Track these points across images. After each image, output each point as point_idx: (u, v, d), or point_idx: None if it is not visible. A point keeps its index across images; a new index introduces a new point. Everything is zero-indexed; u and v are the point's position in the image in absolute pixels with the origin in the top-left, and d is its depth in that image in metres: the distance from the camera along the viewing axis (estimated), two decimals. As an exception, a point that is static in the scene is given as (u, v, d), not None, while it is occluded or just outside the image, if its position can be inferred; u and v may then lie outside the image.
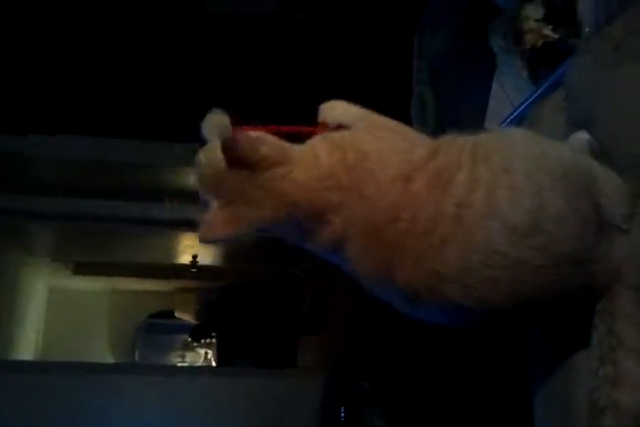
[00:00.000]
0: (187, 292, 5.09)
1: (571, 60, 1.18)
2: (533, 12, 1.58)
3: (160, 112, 2.68)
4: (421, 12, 2.19)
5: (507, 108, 1.62)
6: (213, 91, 2.74)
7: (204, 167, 0.84)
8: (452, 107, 1.95)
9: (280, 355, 3.83)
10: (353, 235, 0.81)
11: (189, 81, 2.74)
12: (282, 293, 4.28)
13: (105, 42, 2.69)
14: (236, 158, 0.81)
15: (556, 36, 1.48)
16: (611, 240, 0.81)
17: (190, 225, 0.88)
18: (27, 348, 4.68)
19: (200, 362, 4.82)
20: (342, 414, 2.83)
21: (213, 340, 4.60)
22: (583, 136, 0.94)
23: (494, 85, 1.76)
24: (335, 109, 0.93)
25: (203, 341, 4.69)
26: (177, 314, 5.03)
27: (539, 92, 1.37)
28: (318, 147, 0.86)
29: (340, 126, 0.90)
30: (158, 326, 4.88)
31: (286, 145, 0.85)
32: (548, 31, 1.48)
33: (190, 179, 2.74)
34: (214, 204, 0.82)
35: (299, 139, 0.90)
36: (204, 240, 0.83)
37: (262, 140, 0.84)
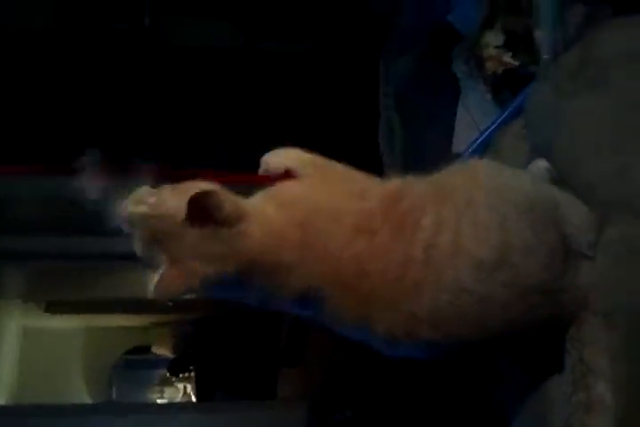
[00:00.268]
0: (162, 326, 5.01)
1: (531, 86, 1.21)
2: (493, 39, 1.61)
3: (128, 143, 2.67)
4: (386, 39, 2.23)
5: (473, 132, 1.65)
6: (182, 123, 2.74)
7: (154, 222, 0.79)
8: (420, 131, 1.98)
9: (260, 387, 3.78)
10: (322, 292, 0.80)
11: (158, 114, 2.73)
12: (259, 324, 4.24)
13: (76, 80, 2.68)
14: (200, 215, 0.78)
15: (516, 63, 1.51)
16: (576, 268, 0.82)
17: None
18: (0, 391, 4.56)
19: (179, 397, 4.74)
20: (326, 445, 2.79)
21: (192, 373, 4.52)
22: (542, 164, 0.96)
23: (460, 109, 1.80)
24: (278, 156, 0.90)
25: (181, 375, 4.62)
26: (154, 349, 4.94)
27: (502, 117, 1.39)
28: (267, 203, 0.83)
29: (287, 173, 0.88)
30: (135, 362, 4.79)
31: (241, 200, 0.83)
32: (507, 58, 1.52)
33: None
34: (162, 258, 0.79)
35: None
36: (158, 297, 0.80)
37: (225, 195, 0.81)
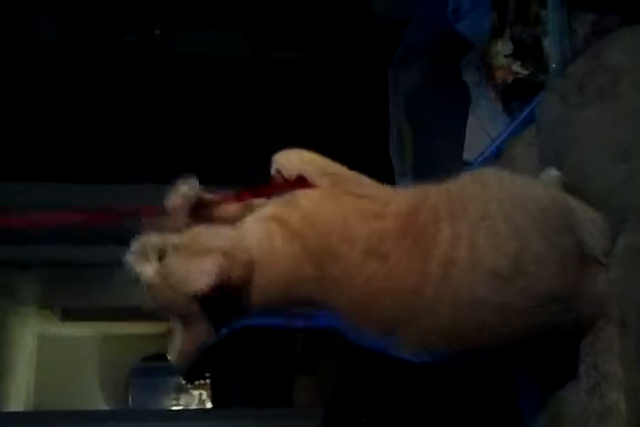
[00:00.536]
0: (178, 333, 5.03)
1: (540, 96, 1.22)
2: (502, 48, 1.62)
3: (141, 155, 2.70)
4: (395, 48, 2.25)
5: (484, 140, 1.66)
6: (194, 133, 2.77)
7: (163, 291, 0.79)
8: (430, 141, 1.99)
9: (275, 393, 3.79)
10: (340, 312, 0.81)
11: (166, 123, 2.76)
12: (274, 331, 4.26)
13: (87, 91, 2.71)
14: (212, 293, 0.77)
15: (526, 72, 1.52)
16: (593, 275, 0.83)
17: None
18: (18, 398, 4.59)
19: (194, 404, 4.75)
20: (342, 452, 2.79)
21: (207, 380, 4.53)
22: (553, 173, 0.97)
23: (470, 118, 1.81)
24: (291, 160, 0.88)
25: (197, 382, 4.63)
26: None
27: (513, 126, 1.41)
28: (275, 236, 0.81)
29: (300, 178, 0.86)
30: (151, 369, 4.81)
31: (242, 243, 0.80)
32: (517, 67, 1.53)
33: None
34: (175, 324, 0.81)
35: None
36: (179, 365, 0.82)
37: (233, 261, 0.78)
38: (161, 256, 0.80)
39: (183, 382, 4.58)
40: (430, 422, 2.31)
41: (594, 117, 0.95)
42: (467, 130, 1.78)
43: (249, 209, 0.87)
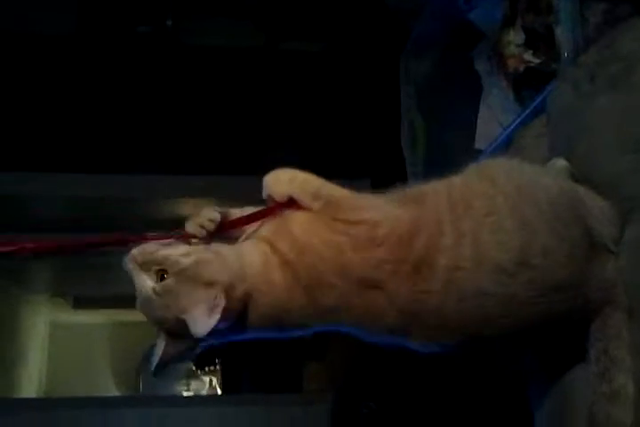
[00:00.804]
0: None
1: (552, 85, 1.23)
2: (514, 37, 1.63)
3: (151, 146, 2.72)
4: (407, 38, 2.25)
5: (495, 129, 1.67)
6: (206, 124, 2.78)
7: (160, 310, 0.81)
8: (442, 130, 2.00)
9: (285, 380, 3.82)
10: (343, 327, 0.83)
11: (178, 114, 2.78)
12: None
13: (100, 83, 2.73)
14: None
15: (538, 61, 1.53)
16: (602, 262, 0.85)
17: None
18: (30, 385, 4.65)
19: (205, 390, 4.79)
20: (351, 437, 2.82)
21: (218, 367, 4.57)
22: (561, 163, 0.98)
23: (482, 107, 1.81)
24: (281, 184, 0.86)
25: (207, 368, 4.66)
26: (180, 343, 4.99)
27: (524, 115, 1.41)
28: (271, 264, 0.82)
29: (291, 200, 0.85)
30: (162, 356, 4.84)
31: (241, 271, 0.81)
32: (529, 56, 1.54)
33: (186, 209, 2.77)
34: (161, 335, 0.82)
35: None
36: (157, 372, 0.83)
37: (229, 295, 0.79)
38: (162, 274, 0.81)
39: (194, 368, 4.62)
40: (439, 408, 2.33)
41: (605, 106, 0.96)
42: (478, 119, 1.79)
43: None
